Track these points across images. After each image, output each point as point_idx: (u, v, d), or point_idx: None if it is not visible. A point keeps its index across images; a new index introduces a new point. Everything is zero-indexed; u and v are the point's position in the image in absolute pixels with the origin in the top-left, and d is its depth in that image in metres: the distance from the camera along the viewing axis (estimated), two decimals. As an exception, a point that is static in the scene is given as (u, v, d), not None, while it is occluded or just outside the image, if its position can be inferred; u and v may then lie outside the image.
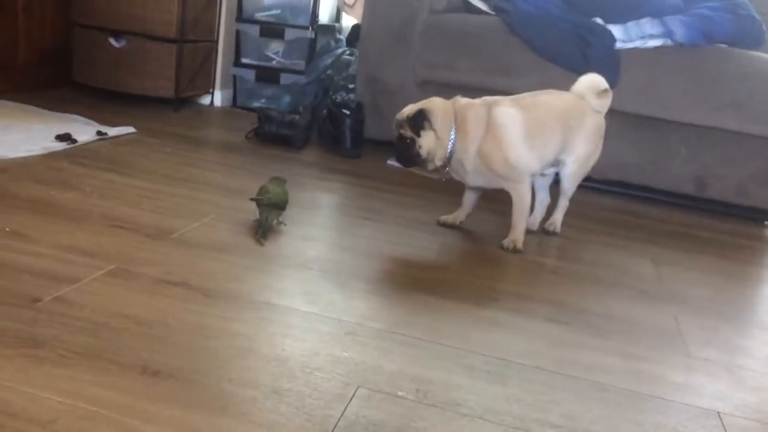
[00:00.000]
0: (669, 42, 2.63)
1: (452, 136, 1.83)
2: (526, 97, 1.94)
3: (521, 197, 1.89)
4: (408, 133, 1.83)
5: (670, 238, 2.33)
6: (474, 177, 1.89)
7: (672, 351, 1.40)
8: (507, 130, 1.84)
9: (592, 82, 2.02)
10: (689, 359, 1.37)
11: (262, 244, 1.63)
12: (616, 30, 2.64)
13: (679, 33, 2.61)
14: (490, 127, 1.83)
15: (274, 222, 1.74)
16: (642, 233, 2.32)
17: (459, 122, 1.84)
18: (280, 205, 1.76)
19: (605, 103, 2.03)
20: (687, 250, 2.21)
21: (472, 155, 1.84)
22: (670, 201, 2.81)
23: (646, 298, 1.69)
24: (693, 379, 1.29)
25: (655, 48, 2.63)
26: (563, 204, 2.11)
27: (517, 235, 1.89)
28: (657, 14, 2.66)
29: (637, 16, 2.67)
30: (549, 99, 1.95)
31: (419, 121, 1.81)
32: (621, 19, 2.67)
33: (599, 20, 2.69)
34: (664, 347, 1.42)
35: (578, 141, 1.98)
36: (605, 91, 2.01)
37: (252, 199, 1.75)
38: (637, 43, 2.64)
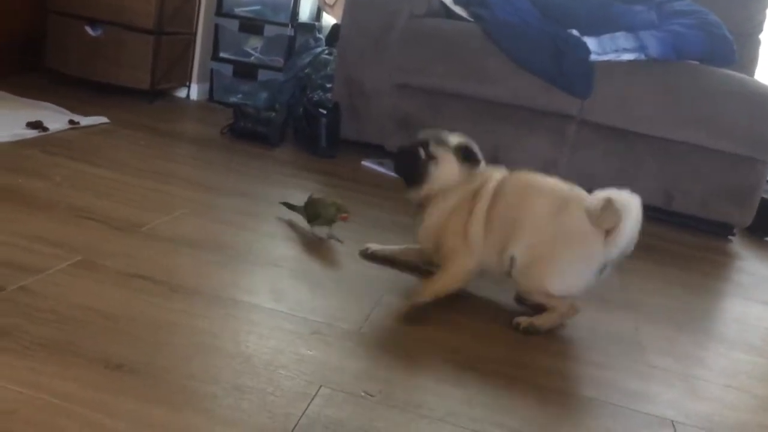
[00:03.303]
0: (642, 56, 2.68)
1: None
2: None
3: None
4: (437, 150, 1.57)
5: (634, 248, 2.37)
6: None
7: (630, 359, 1.43)
8: None
9: None
10: (646, 367, 1.41)
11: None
12: (591, 42, 2.69)
13: (652, 48, 2.66)
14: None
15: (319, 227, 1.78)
16: (608, 243, 2.35)
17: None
18: (311, 213, 1.78)
19: None
20: (650, 260, 2.25)
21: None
22: (638, 212, 2.86)
23: (608, 306, 1.73)
24: (649, 387, 1.32)
25: (629, 62, 2.68)
26: None
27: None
28: (631, 29, 2.71)
29: (612, 29, 2.72)
30: None
31: (468, 153, 1.58)
32: (596, 32, 2.72)
33: (575, 32, 2.74)
34: (623, 355, 1.45)
35: None
36: None
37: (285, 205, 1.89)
38: (611, 56, 2.68)
